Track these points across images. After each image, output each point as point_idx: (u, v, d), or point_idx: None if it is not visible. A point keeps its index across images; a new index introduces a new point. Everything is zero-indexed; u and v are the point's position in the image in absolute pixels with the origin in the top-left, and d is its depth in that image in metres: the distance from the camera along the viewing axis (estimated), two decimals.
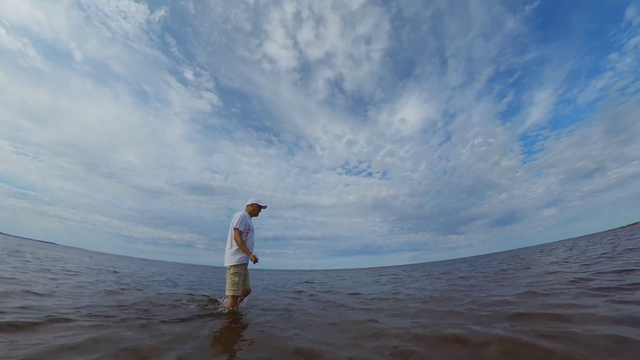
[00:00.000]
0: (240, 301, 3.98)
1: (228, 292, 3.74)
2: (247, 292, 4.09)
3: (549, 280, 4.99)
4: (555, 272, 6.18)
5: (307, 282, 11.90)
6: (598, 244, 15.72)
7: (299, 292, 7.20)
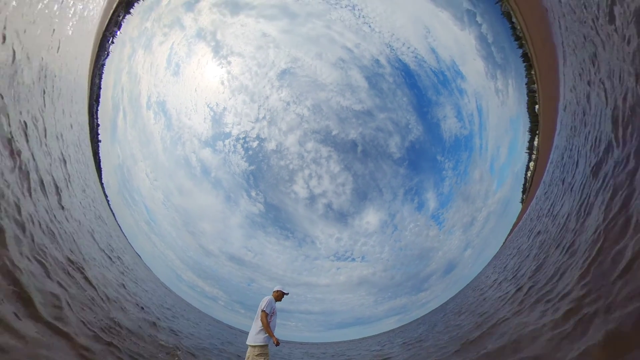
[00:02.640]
0: None
1: None
2: None
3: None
4: None
5: None
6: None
7: None
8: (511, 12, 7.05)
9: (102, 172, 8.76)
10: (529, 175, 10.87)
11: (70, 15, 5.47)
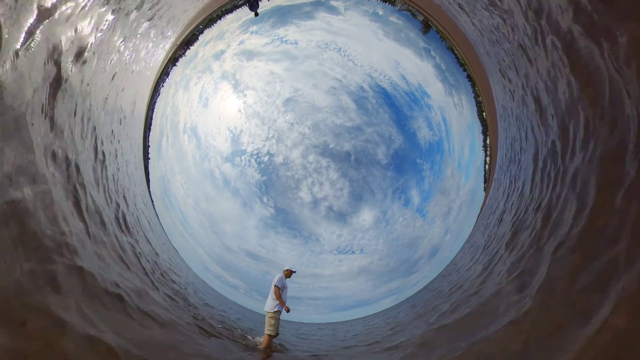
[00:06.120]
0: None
1: (266, 331, 4.50)
2: (276, 334, 4.68)
3: None
4: None
5: None
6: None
7: None
8: (453, 47, 10.12)
9: (150, 182, 10.51)
10: (486, 168, 13.39)
11: (138, 70, 7.13)
